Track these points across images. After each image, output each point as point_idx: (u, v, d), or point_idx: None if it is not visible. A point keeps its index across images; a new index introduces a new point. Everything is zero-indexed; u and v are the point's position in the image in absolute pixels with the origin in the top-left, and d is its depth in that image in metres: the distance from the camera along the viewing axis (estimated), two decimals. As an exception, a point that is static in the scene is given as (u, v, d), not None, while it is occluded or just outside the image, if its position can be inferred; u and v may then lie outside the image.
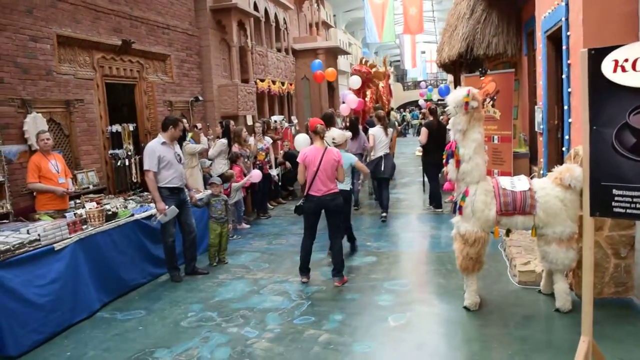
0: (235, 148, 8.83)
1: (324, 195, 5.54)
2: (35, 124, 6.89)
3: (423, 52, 38.41)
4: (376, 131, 8.87)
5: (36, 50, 7.37)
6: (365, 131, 9.82)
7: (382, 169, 8.43)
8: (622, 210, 2.90)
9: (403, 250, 6.95)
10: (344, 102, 11.63)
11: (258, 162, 9.53)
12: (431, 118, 9.10)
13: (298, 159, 5.74)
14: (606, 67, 2.79)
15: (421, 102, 23.45)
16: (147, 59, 9.97)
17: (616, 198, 2.90)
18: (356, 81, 11.48)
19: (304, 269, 5.81)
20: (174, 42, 10.90)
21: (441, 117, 9.79)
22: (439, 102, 22.87)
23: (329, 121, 7.13)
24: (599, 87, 2.85)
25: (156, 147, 5.99)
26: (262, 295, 5.46)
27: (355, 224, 8.49)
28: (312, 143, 5.90)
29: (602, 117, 2.87)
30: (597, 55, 2.83)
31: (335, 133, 6.45)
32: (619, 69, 2.76)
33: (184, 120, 6.56)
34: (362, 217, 9.06)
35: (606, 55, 2.79)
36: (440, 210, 8.97)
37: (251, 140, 9.59)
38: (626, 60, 2.73)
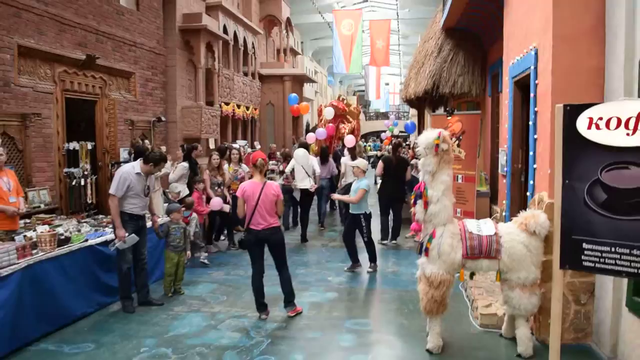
0: (205, 175, 8.46)
1: (263, 230, 5.50)
2: (-13, 137, 6.57)
3: (387, 84, 39.12)
4: (346, 160, 10.05)
5: (-5, 61, 7.09)
6: (336, 159, 11.16)
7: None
8: (592, 265, 2.92)
9: (364, 287, 6.86)
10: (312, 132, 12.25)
11: (231, 192, 8.65)
12: (388, 153, 9.27)
13: (237, 193, 5.69)
14: (581, 123, 2.83)
15: (383, 134, 23.75)
16: (110, 75, 9.75)
17: (586, 252, 2.92)
18: (330, 112, 11.75)
19: (260, 305, 5.67)
20: (139, 59, 10.71)
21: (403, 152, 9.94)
22: (399, 135, 23.22)
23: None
24: (573, 142, 2.88)
25: (129, 175, 5.71)
26: (220, 330, 5.25)
27: (316, 257, 8.39)
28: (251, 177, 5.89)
29: (574, 172, 2.90)
30: (572, 111, 2.87)
31: (362, 163, 7.37)
32: (593, 126, 2.80)
33: (147, 142, 6.31)
34: (322, 250, 8.96)
35: (581, 112, 2.83)
36: (394, 242, 9.00)
37: (225, 167, 8.91)
38: (600, 119, 2.77)
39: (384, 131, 27.09)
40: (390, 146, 10.16)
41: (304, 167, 9.59)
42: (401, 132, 26.38)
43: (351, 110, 13.09)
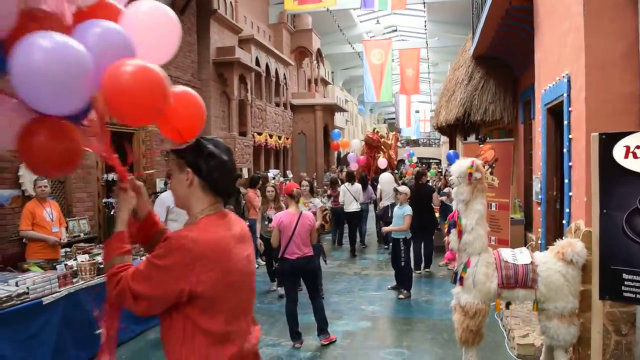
0: (252, 206, 9.01)
1: (298, 259, 5.57)
2: (32, 169, 6.82)
3: (417, 112, 39.13)
4: (382, 186, 11.37)
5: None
6: (374, 186, 12.43)
7: (390, 214, 9.36)
8: (632, 296, 2.87)
9: (398, 316, 6.80)
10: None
11: None
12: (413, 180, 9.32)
13: (272, 224, 5.80)
14: (617, 152, 2.82)
15: (406, 165, 23.71)
16: (148, 108, 10.04)
17: (626, 282, 2.87)
18: (356, 143, 14.16)
19: (294, 334, 5.69)
20: (174, 92, 11.01)
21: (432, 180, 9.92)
22: (427, 161, 23.12)
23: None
24: (610, 171, 2.86)
25: (166, 198, 5.89)
26: (254, 359, 5.28)
27: (349, 285, 8.38)
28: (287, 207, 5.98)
29: (612, 201, 2.88)
30: (608, 140, 2.86)
31: (406, 190, 7.88)
32: (630, 154, 2.79)
33: None
34: (355, 278, 8.94)
35: (618, 140, 2.83)
36: (427, 271, 8.88)
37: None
38: (638, 147, 2.76)
39: (400, 160, 27.07)
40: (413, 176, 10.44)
41: (352, 193, 11.25)
42: (433, 159, 26.26)
43: (384, 141, 13.86)
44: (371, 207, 12.95)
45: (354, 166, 13.76)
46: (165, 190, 8.76)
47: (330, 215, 13.04)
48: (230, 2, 13.67)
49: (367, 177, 12.69)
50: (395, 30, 27.15)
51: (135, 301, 1.90)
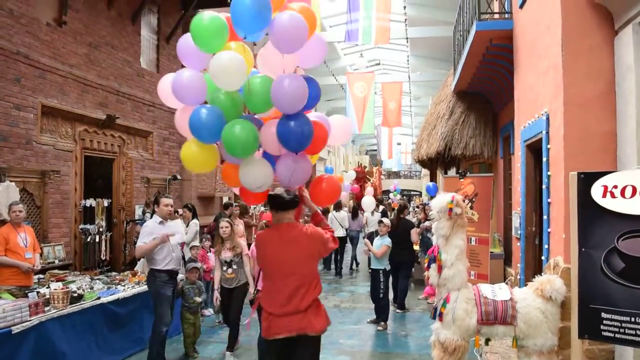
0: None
1: None
2: (7, 193, 6.71)
3: (399, 144, 39.44)
4: (367, 214, 12.86)
5: (18, 119, 7.32)
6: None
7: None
8: (611, 335, 2.87)
9: (377, 351, 6.71)
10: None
11: None
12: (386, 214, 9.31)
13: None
14: (596, 191, 2.85)
15: (392, 196, 23.85)
16: (129, 134, 9.99)
17: (605, 322, 2.87)
18: (351, 175, 16.02)
19: None
20: (157, 119, 10.99)
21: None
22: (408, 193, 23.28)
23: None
24: (588, 210, 2.89)
25: (154, 227, 5.67)
26: (229, 393, 5.15)
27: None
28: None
29: (591, 240, 2.89)
30: (587, 179, 2.89)
31: (387, 222, 7.94)
32: (608, 194, 2.82)
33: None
34: (334, 311, 8.83)
35: (596, 180, 2.86)
36: (402, 311, 8.69)
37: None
38: (615, 187, 2.79)
39: (387, 191, 27.24)
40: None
41: (339, 220, 12.66)
42: (413, 191, 26.42)
43: (369, 171, 14.99)
44: (361, 234, 13.56)
45: (343, 196, 14.64)
46: (142, 220, 8.65)
47: None
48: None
49: (359, 207, 13.60)
50: (379, 64, 27.51)
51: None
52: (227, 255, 6.12)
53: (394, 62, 25.76)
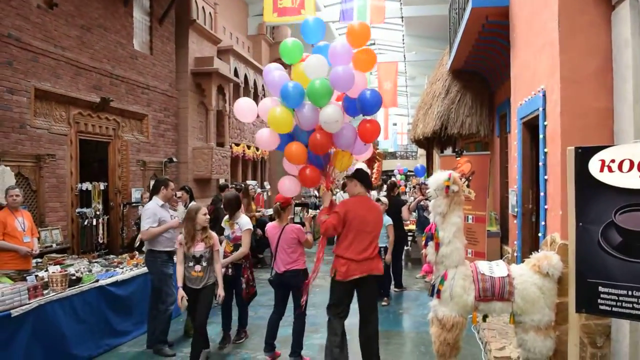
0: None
1: (283, 273, 5.48)
2: (2, 178, 6.68)
3: (395, 124, 39.40)
4: (373, 193, 11.45)
5: (12, 103, 7.26)
6: None
7: None
8: (608, 309, 2.89)
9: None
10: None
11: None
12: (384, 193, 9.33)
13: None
14: (593, 166, 2.85)
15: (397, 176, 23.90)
16: (124, 117, 9.93)
17: (602, 295, 2.89)
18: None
19: (268, 345, 5.59)
20: (152, 102, 10.91)
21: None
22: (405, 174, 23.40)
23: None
24: (585, 185, 2.89)
25: (156, 209, 5.77)
26: (229, 372, 5.19)
27: (326, 297, 8.29)
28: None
29: (588, 215, 2.90)
30: (584, 154, 2.89)
31: (385, 200, 7.92)
32: (605, 168, 2.82)
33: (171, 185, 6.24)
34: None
35: (593, 154, 2.85)
36: (400, 289, 8.81)
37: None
38: (612, 161, 2.79)
39: (392, 171, 27.23)
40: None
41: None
42: (410, 171, 26.42)
43: (378, 152, 14.62)
44: None
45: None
46: (140, 203, 8.68)
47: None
48: (210, 13, 13.63)
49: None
50: (374, 44, 27.36)
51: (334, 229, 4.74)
52: (198, 248, 5.13)
53: (389, 41, 25.61)
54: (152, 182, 9.89)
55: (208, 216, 5.25)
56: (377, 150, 15.27)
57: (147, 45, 11.12)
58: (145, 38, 11.09)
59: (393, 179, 14.41)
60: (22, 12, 7.52)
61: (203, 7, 13.12)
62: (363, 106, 4.65)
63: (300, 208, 14.34)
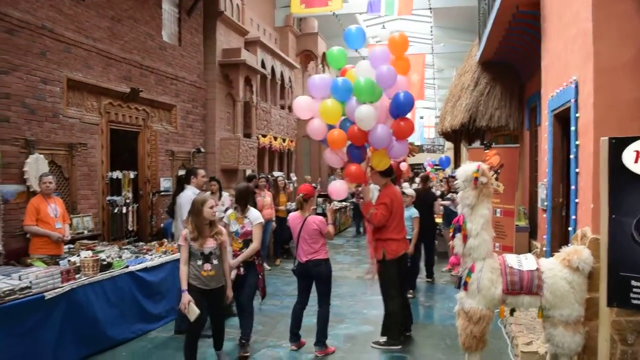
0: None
1: (306, 262, 5.52)
2: (36, 165, 6.84)
3: (421, 117, 39.05)
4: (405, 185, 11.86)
5: (45, 92, 7.40)
6: None
7: None
8: (641, 303, 2.83)
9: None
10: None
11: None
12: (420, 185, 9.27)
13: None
14: (627, 157, 2.80)
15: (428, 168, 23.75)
16: (153, 107, 10.05)
17: (634, 290, 2.84)
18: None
19: (293, 335, 5.65)
20: (181, 93, 11.02)
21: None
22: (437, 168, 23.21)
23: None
24: (619, 176, 2.83)
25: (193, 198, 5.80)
26: (255, 360, 5.26)
27: (351, 289, 8.33)
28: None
29: (621, 207, 2.85)
30: (618, 144, 2.83)
31: (412, 192, 8.09)
32: (640, 160, 2.76)
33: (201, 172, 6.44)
34: (357, 282, 8.90)
35: (627, 145, 2.80)
36: (430, 280, 8.85)
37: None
38: (648, 152, 2.73)
39: (421, 164, 27.03)
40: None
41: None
42: (437, 165, 26.21)
43: (413, 146, 14.54)
44: None
45: None
46: (169, 191, 8.85)
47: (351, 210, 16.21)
48: (237, 4, 13.67)
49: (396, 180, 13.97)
50: (401, 36, 27.14)
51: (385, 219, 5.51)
52: (209, 245, 4.72)
53: (417, 33, 25.33)
54: (180, 172, 10.05)
55: (215, 209, 4.86)
56: (412, 147, 15.27)
57: (176, 36, 11.21)
58: (174, 29, 11.18)
59: (425, 171, 14.23)
60: (55, 4, 7.65)
61: (231, -1, 13.21)
62: (396, 106, 5.19)
63: (322, 199, 14.38)
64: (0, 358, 4.23)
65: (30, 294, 4.58)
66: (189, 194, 5.94)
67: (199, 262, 4.68)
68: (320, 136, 5.44)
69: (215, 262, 4.73)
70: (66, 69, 7.81)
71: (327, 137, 5.34)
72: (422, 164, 24.12)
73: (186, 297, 4.53)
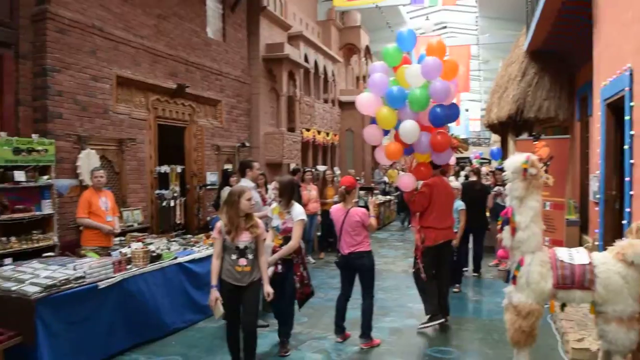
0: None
1: (348, 255, 5.50)
2: (88, 160, 7.07)
3: (467, 110, 38.35)
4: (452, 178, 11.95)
5: (96, 89, 7.64)
6: None
7: None
8: (702, 298, 2.71)
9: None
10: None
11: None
12: (474, 178, 9.02)
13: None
14: (688, 145, 2.67)
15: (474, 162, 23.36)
16: (199, 103, 10.23)
17: (695, 284, 2.71)
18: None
19: (338, 327, 5.67)
20: (225, 88, 11.18)
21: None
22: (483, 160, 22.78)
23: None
24: (680, 165, 2.71)
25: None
26: (301, 351, 5.30)
27: (396, 282, 8.29)
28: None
29: (682, 197, 2.72)
30: (679, 132, 2.71)
31: (458, 185, 8.18)
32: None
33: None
34: (402, 276, 8.84)
35: (689, 133, 2.67)
36: (477, 274, 8.72)
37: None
38: None
39: (467, 158, 26.62)
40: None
41: None
42: (484, 158, 25.70)
43: (462, 143, 14.54)
44: None
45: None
46: (215, 185, 9.00)
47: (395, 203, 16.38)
48: (280, -1, 13.78)
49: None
50: (445, 27, 26.69)
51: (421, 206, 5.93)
52: (243, 239, 4.47)
53: (461, 24, 24.91)
54: (225, 166, 10.21)
55: (252, 201, 4.64)
56: (455, 139, 15.04)
57: (220, 32, 11.37)
58: (218, 25, 11.33)
59: (477, 165, 13.98)
60: (104, 3, 7.87)
61: (274, -7, 13.28)
62: (433, 118, 5.58)
63: (364, 192, 14.31)
64: (57, 344, 4.41)
65: (84, 283, 4.76)
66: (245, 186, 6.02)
67: (234, 257, 4.45)
68: (377, 142, 6.07)
69: (250, 256, 4.48)
70: (115, 66, 8.03)
71: (385, 150, 5.93)
72: (468, 157, 23.69)
73: (214, 294, 4.36)
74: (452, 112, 5.76)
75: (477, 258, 8.82)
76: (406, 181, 5.98)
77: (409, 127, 5.51)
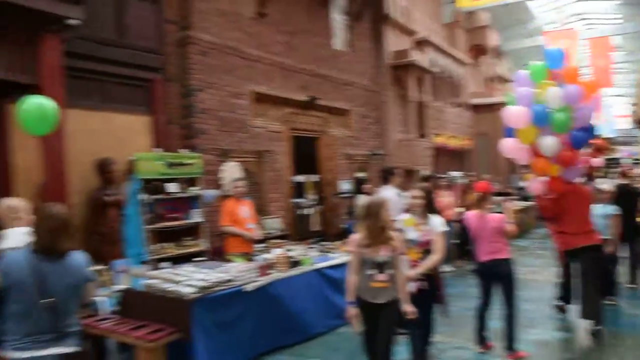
0: None
1: (486, 262, 5.25)
2: (232, 171, 7.48)
3: (610, 107, 35.27)
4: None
5: (235, 106, 8.10)
6: None
7: None
8: None
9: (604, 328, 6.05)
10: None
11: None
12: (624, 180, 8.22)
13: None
14: None
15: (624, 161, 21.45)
16: (330, 113, 10.45)
17: None
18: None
19: (478, 337, 5.39)
20: (355, 97, 11.31)
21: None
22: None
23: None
24: None
25: (396, 199, 5.88)
26: (442, 360, 5.12)
27: (540, 293, 7.73)
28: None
29: None
30: None
31: (608, 188, 7.48)
32: None
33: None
34: (547, 286, 8.22)
35: None
36: (633, 286, 7.80)
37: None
38: None
39: (615, 159, 24.49)
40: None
41: None
42: (636, 159, 23.45)
43: (604, 143, 13.97)
44: None
45: None
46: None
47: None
48: (404, 5, 13.67)
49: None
50: (582, 19, 24.85)
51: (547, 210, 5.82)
52: (383, 252, 4.05)
53: (600, 14, 23.04)
54: (357, 175, 10.29)
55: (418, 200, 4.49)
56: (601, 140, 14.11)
57: (347, 43, 11.54)
58: (345, 37, 11.52)
59: (629, 165, 12.87)
60: (240, 26, 8.36)
61: (397, 0, 13.23)
62: (575, 142, 5.55)
63: (501, 198, 13.64)
64: (210, 342, 4.65)
65: (232, 286, 4.99)
66: (392, 194, 5.98)
67: (371, 272, 4.04)
68: (516, 155, 5.91)
69: (389, 272, 4.06)
70: (251, 83, 8.47)
71: (533, 165, 5.84)
72: (617, 157, 21.69)
73: (351, 311, 4.06)
74: (589, 136, 5.80)
75: (633, 268, 7.92)
76: (536, 186, 5.83)
77: (550, 143, 5.47)
